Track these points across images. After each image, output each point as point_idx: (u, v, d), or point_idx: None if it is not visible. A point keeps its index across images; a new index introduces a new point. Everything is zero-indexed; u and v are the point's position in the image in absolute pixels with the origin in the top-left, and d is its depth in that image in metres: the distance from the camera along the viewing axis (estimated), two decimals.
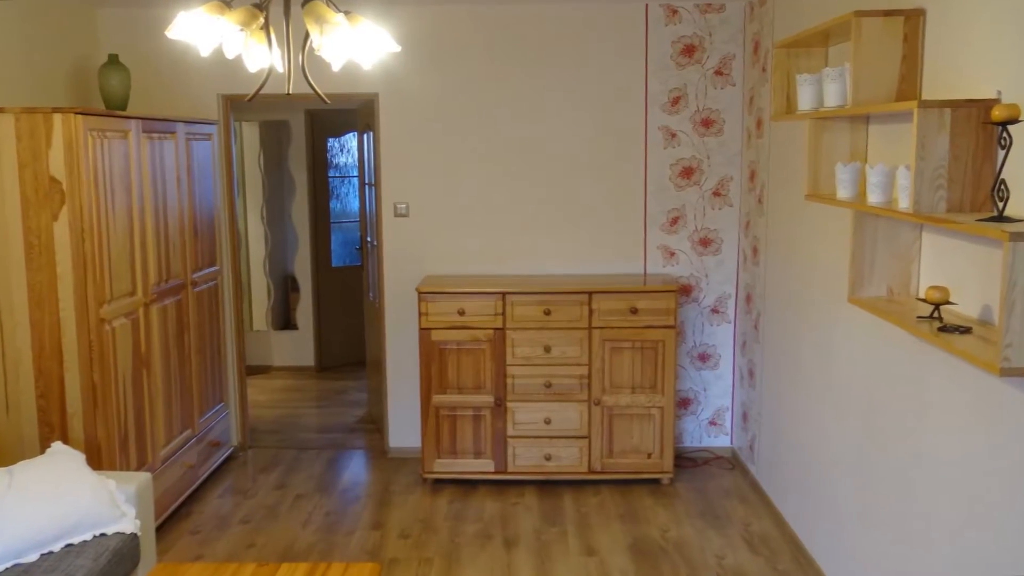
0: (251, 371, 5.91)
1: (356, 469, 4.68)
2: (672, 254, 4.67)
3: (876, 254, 2.59)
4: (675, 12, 4.48)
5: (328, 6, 2.09)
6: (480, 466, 4.35)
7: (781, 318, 3.92)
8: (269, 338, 6.63)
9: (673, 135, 4.58)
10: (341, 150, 6.77)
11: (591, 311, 4.21)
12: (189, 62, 4.15)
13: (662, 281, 4.42)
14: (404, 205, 4.66)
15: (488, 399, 4.29)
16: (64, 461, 2.88)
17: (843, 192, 2.70)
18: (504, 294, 4.23)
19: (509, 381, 4.28)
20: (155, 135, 3.88)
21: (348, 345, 6.63)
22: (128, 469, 3.57)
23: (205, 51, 2.11)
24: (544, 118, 4.58)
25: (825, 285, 3.32)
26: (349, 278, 6.55)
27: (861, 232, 2.59)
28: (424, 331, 4.26)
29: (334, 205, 6.71)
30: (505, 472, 4.34)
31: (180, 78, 4.58)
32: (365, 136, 5.26)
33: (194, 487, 4.19)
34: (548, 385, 4.27)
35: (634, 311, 4.20)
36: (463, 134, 4.60)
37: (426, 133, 4.61)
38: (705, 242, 4.65)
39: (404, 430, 4.77)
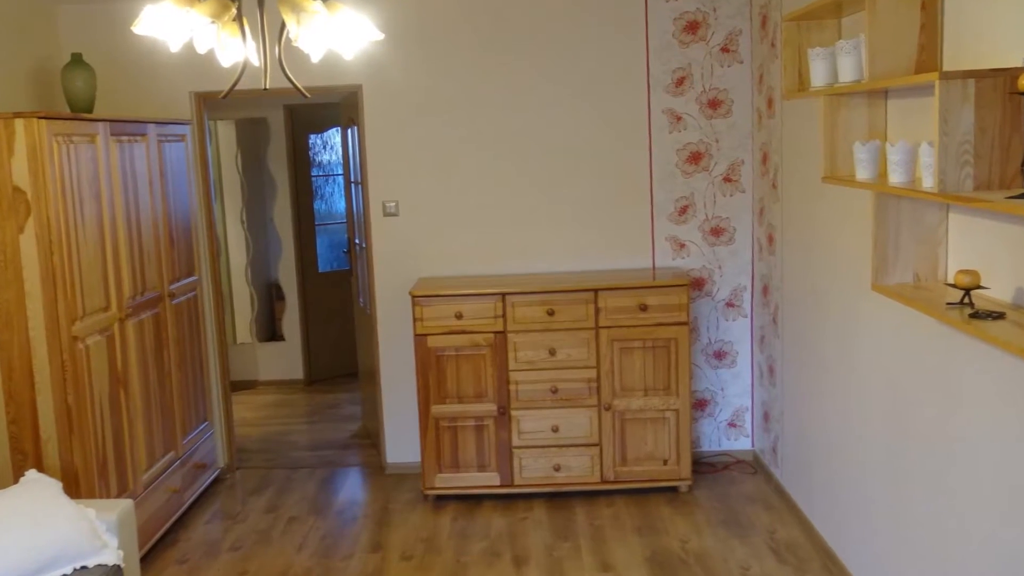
0: (236, 387, 5.92)
1: (352, 488, 4.68)
2: (682, 246, 4.67)
3: (900, 238, 2.59)
4: None
5: None
6: (484, 479, 4.35)
7: (801, 310, 3.92)
8: (254, 351, 6.63)
9: (678, 118, 4.58)
10: (324, 147, 6.78)
11: (597, 310, 4.22)
12: (158, 59, 4.14)
13: (672, 275, 4.42)
14: (393, 203, 4.66)
15: (491, 408, 4.29)
16: (40, 490, 2.88)
17: (862, 173, 2.70)
18: (504, 295, 4.23)
19: (512, 388, 4.28)
20: (125, 138, 3.88)
21: (339, 355, 6.63)
22: (108, 496, 3.57)
23: (175, 46, 2.11)
24: (540, 105, 4.58)
25: (847, 273, 3.32)
26: (337, 283, 6.55)
27: (883, 215, 2.59)
28: (420, 337, 4.26)
29: (319, 206, 6.71)
30: (511, 485, 4.34)
31: (149, 76, 4.58)
32: (349, 131, 5.27)
33: (180, 513, 4.19)
34: (554, 390, 4.28)
35: (643, 308, 4.20)
36: (454, 125, 4.61)
37: (415, 126, 4.61)
38: (717, 231, 4.66)
39: (402, 444, 4.77)
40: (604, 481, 4.32)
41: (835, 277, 3.47)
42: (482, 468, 4.34)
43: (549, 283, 4.32)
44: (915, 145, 2.50)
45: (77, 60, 4.10)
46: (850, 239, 3.27)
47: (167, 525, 4.04)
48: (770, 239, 4.35)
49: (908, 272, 2.61)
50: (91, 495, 3.45)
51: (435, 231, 4.67)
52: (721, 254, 4.67)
